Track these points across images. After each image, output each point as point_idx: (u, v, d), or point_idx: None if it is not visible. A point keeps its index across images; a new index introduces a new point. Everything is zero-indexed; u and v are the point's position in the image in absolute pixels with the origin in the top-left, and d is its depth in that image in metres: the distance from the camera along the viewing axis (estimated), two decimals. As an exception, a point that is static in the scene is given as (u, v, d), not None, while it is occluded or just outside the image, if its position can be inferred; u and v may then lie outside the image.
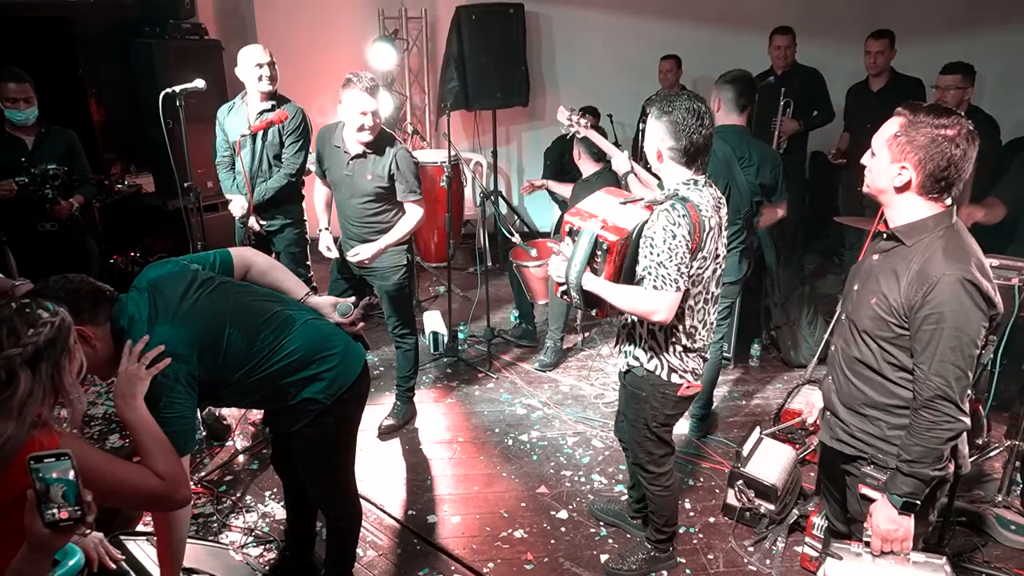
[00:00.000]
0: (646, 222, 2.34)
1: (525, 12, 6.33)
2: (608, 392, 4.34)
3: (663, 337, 2.50)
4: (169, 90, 3.44)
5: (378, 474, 3.62)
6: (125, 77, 5.38)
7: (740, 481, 3.17)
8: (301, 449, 2.44)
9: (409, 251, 3.77)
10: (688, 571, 2.98)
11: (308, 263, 4.34)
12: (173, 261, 2.22)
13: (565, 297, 2.48)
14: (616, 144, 6.23)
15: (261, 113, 3.89)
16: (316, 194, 3.84)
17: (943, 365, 1.83)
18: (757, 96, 5.13)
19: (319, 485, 2.56)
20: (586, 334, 5.09)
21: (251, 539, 3.12)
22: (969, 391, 1.90)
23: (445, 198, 5.10)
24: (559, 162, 5.74)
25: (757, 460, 3.24)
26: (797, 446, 3.56)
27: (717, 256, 2.46)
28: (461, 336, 4.93)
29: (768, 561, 3.03)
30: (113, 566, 2.07)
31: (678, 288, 2.29)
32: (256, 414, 3.88)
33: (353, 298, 2.57)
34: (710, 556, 3.06)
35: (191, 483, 2.67)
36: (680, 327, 2.47)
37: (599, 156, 4.15)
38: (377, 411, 4.03)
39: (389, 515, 3.32)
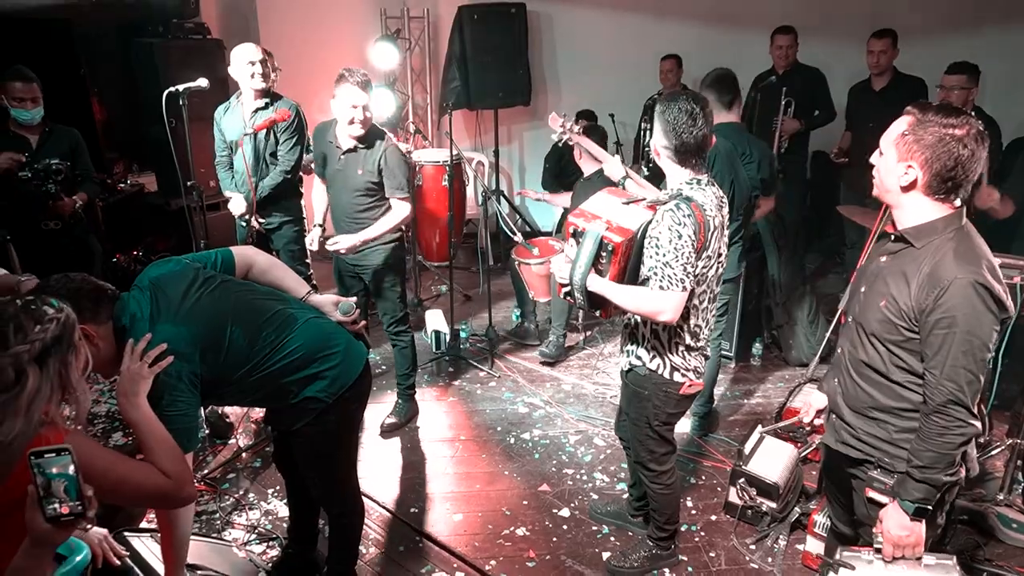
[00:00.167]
0: (650, 222, 2.35)
1: (527, 12, 6.34)
2: (610, 390, 4.34)
3: (667, 337, 2.50)
4: (172, 89, 3.45)
5: (380, 472, 3.63)
6: (127, 76, 5.38)
7: (742, 479, 3.18)
8: (303, 447, 2.45)
9: (402, 248, 3.78)
10: (690, 569, 2.99)
11: (307, 261, 4.36)
12: (175, 260, 2.22)
13: (568, 299, 2.49)
14: (617, 144, 6.29)
15: (256, 111, 3.91)
16: (314, 191, 3.88)
17: (955, 370, 1.80)
18: (758, 95, 5.21)
19: (321, 483, 2.57)
20: (588, 333, 5.10)
21: (254, 536, 3.13)
22: None
23: (447, 197, 5.11)
24: (558, 165, 5.74)
25: (759, 458, 3.25)
26: (799, 444, 3.56)
27: (720, 255, 2.47)
28: (463, 335, 4.94)
29: (770, 559, 3.03)
30: (117, 562, 2.08)
31: (684, 288, 2.29)
32: (259, 412, 3.89)
33: (355, 297, 2.58)
34: (712, 554, 3.07)
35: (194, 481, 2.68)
36: (684, 326, 2.47)
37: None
38: (379, 409, 4.04)
39: (391, 513, 3.33)
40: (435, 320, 4.78)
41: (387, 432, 3.94)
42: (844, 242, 5.61)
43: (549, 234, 6.05)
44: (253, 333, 2.15)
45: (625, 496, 3.32)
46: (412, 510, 3.36)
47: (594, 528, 3.24)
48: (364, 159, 3.46)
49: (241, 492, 3.42)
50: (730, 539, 3.15)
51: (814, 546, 2.90)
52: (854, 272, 2.61)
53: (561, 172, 5.66)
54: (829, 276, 6.03)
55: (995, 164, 3.79)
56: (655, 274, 2.31)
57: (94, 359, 1.80)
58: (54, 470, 1.37)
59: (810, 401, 2.41)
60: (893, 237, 1.97)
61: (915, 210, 1.90)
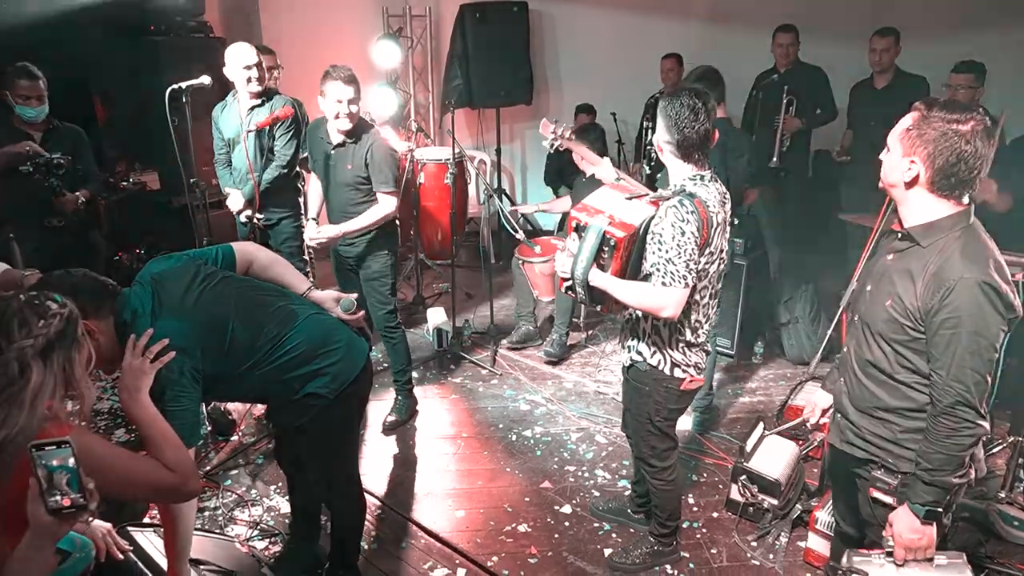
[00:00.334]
0: (653, 218, 2.35)
1: (529, 10, 6.34)
2: (611, 388, 4.35)
3: (667, 332, 2.51)
4: (175, 87, 3.46)
5: (382, 469, 3.64)
6: (130, 74, 5.38)
7: (743, 476, 3.18)
8: (305, 444, 2.46)
9: (393, 243, 3.79)
10: (692, 565, 2.99)
11: (306, 257, 4.37)
12: (176, 256, 2.22)
13: (570, 293, 2.49)
14: (619, 143, 6.29)
15: (252, 109, 3.94)
16: (311, 187, 3.91)
17: (962, 370, 1.79)
18: (759, 94, 5.21)
19: (323, 479, 2.58)
20: (590, 332, 5.10)
21: (257, 532, 3.14)
22: None
23: (449, 195, 5.11)
24: (559, 162, 5.75)
25: (760, 456, 3.25)
26: (800, 442, 3.56)
27: (722, 251, 2.47)
28: (465, 333, 4.95)
29: (771, 556, 3.04)
30: (120, 556, 2.09)
31: (686, 284, 2.30)
32: (261, 408, 3.90)
33: (355, 294, 2.58)
34: (713, 551, 3.07)
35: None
36: (685, 322, 2.48)
37: (601, 152, 4.16)
38: (380, 407, 4.05)
39: (393, 509, 3.34)
40: (437, 318, 4.79)
41: (389, 429, 3.94)
42: (846, 240, 5.60)
43: (551, 233, 6.05)
44: (255, 329, 2.15)
45: (627, 493, 3.33)
46: (414, 506, 3.36)
47: (596, 525, 3.24)
48: (352, 154, 3.49)
49: (244, 488, 3.43)
50: (731, 536, 3.16)
51: (816, 543, 2.91)
52: (855, 270, 2.61)
53: (563, 170, 5.66)
54: (831, 274, 6.02)
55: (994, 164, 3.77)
56: (657, 270, 2.32)
57: (96, 355, 1.81)
58: (55, 462, 1.37)
59: (815, 400, 2.41)
60: (899, 235, 1.95)
61: (920, 207, 1.88)
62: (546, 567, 3.00)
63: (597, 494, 3.44)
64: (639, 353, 2.58)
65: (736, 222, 3.54)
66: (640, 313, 2.53)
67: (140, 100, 5.24)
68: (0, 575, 1.44)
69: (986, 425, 1.84)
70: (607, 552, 3.06)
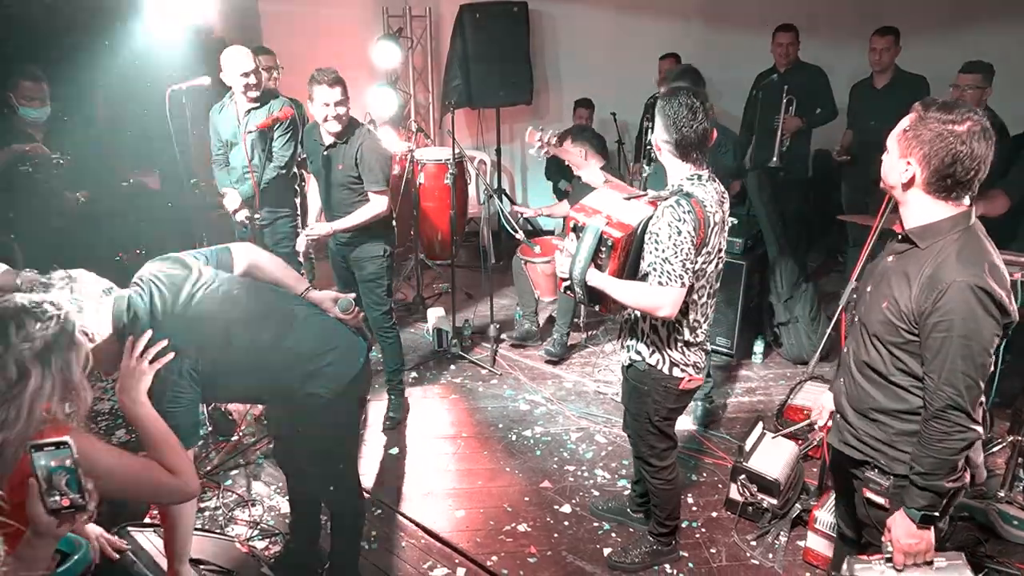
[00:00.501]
0: (650, 218, 2.36)
1: (529, 10, 6.33)
2: (611, 388, 4.35)
3: (666, 332, 2.51)
4: (175, 87, 3.47)
5: (382, 468, 3.64)
6: (130, 73, 5.38)
7: (743, 476, 3.18)
8: (304, 443, 2.46)
9: (388, 243, 3.79)
10: (691, 565, 2.99)
11: (300, 259, 4.37)
12: (174, 257, 2.22)
13: (569, 293, 2.50)
14: (619, 143, 6.29)
15: (249, 111, 3.95)
16: (310, 189, 3.94)
17: (954, 374, 1.78)
18: (759, 93, 5.20)
19: (322, 479, 2.58)
20: (590, 332, 5.10)
21: (257, 532, 3.15)
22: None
23: (449, 196, 5.12)
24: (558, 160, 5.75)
25: (760, 455, 3.25)
26: (800, 441, 3.56)
27: (720, 250, 2.47)
28: (465, 333, 4.95)
29: (771, 555, 3.04)
30: (116, 556, 2.09)
31: (683, 284, 2.30)
32: (261, 408, 3.90)
33: (353, 294, 2.59)
34: (713, 550, 3.07)
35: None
36: (683, 322, 2.48)
37: (602, 152, 4.17)
38: (380, 406, 4.06)
39: (393, 508, 3.34)
40: (437, 318, 4.79)
41: (388, 429, 3.95)
42: (846, 240, 5.60)
43: (551, 233, 6.06)
44: (253, 329, 2.16)
45: (626, 492, 3.33)
46: (414, 506, 3.37)
47: (595, 524, 3.25)
48: (343, 154, 3.52)
49: (243, 488, 3.43)
50: (731, 535, 3.16)
51: (815, 542, 2.91)
52: (855, 270, 2.61)
53: (563, 165, 5.65)
54: (831, 274, 6.02)
55: (996, 164, 3.76)
56: (654, 269, 2.32)
57: (94, 356, 1.81)
58: (54, 463, 1.38)
59: (822, 402, 2.38)
60: (899, 237, 1.95)
61: (919, 209, 1.87)
62: (545, 566, 3.00)
63: (596, 494, 3.44)
64: (638, 353, 2.58)
65: (736, 222, 3.57)
66: (639, 313, 2.53)
67: (140, 100, 5.25)
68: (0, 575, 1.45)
69: (979, 429, 1.83)
70: (606, 551, 3.06)
